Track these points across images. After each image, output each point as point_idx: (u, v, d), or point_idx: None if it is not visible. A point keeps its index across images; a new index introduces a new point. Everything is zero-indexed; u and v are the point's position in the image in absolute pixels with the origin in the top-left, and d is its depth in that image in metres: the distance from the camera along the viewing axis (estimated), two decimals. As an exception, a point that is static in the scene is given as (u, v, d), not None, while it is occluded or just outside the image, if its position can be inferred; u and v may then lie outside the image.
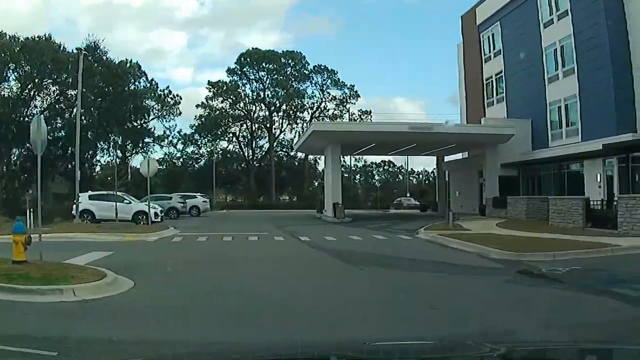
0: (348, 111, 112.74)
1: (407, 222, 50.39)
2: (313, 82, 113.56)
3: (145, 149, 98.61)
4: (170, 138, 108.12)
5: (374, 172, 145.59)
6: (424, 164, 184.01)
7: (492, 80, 64.59)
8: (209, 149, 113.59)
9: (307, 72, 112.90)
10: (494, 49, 63.88)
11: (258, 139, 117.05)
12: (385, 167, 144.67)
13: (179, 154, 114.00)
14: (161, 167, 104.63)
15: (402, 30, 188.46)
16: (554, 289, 17.85)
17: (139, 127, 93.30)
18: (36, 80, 77.65)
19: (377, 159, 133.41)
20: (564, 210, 37.71)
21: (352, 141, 58.49)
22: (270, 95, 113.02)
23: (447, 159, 72.67)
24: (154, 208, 47.37)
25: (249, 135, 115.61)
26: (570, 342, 9.00)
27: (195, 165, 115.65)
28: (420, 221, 47.77)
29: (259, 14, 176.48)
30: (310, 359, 5.33)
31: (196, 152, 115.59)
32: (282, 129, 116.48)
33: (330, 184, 57.85)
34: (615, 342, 7.71)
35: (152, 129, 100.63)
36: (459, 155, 71.54)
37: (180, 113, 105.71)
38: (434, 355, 5.09)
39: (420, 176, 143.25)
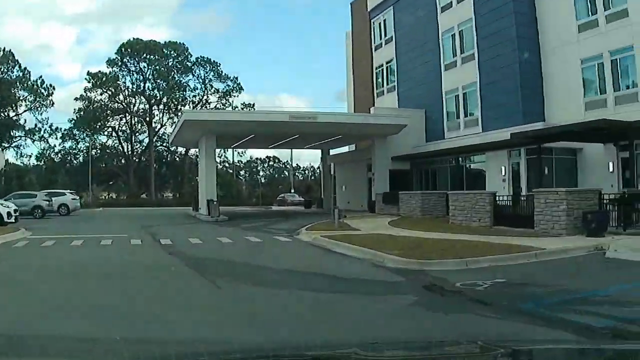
0: (231, 104, 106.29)
1: (289, 220, 44.34)
2: (195, 74, 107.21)
3: (12, 142, 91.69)
4: (42, 132, 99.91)
5: (259, 167, 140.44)
6: (310, 159, 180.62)
7: (382, 69, 59.40)
8: (87, 144, 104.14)
9: (189, 65, 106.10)
10: (385, 36, 58.61)
11: (138, 134, 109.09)
12: (271, 163, 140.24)
13: (57, 149, 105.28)
14: (39, 163, 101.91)
15: (289, 24, 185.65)
16: (481, 316, 12.34)
17: (4, 118, 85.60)
18: None
19: (262, 154, 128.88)
20: (468, 206, 32.28)
21: (228, 132, 50.80)
22: (151, 88, 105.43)
23: (333, 152, 66.47)
24: (7, 207, 39.99)
25: (128, 129, 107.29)
26: (574, 341, 8.56)
27: (74, 162, 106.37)
28: (302, 219, 42.39)
29: (147, 9, 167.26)
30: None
31: (74, 147, 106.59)
32: (163, 123, 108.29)
33: (205, 179, 50.48)
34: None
35: (23, 122, 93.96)
36: (346, 148, 65.79)
37: (53, 104, 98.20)
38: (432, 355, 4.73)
39: (307, 172, 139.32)
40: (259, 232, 34.64)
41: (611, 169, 34.96)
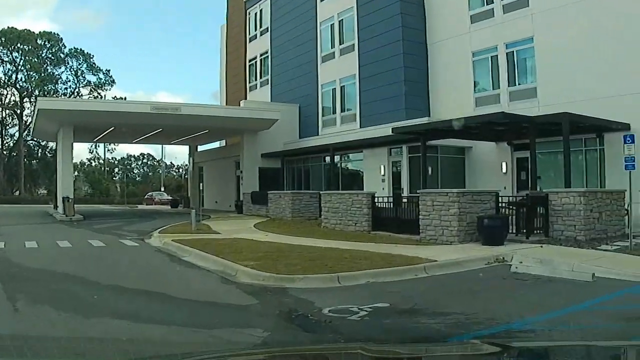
0: (103, 98, 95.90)
1: (148, 220, 38.93)
2: (68, 66, 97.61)
3: None
4: None
5: (133, 165, 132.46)
6: (185, 156, 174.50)
7: (256, 62, 53.83)
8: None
9: (62, 56, 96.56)
10: (260, 26, 53.06)
11: (8, 127, 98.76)
12: (145, 160, 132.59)
13: None
14: None
15: (166, 22, 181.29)
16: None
17: None
18: None
19: (137, 150, 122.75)
20: (342, 208, 27.21)
21: (87, 124, 42.92)
22: (23, 79, 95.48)
23: (202, 148, 59.81)
24: None
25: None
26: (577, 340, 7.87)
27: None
28: (162, 220, 37.53)
29: (28, 3, 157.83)
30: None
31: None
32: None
33: (61, 175, 43.52)
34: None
35: None
36: (217, 144, 59.60)
37: None
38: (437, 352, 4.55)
39: (181, 170, 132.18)
40: (108, 234, 29.49)
41: (504, 170, 30.82)
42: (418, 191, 24.51)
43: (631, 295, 12.92)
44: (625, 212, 22.33)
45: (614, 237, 20.92)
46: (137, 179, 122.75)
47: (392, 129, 30.14)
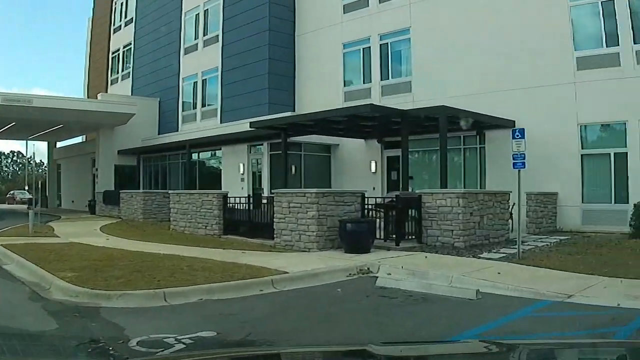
0: None
1: (-5, 221, 32.72)
2: None
3: None
4: None
5: (3, 162, 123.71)
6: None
7: (119, 54, 48.29)
8: None
9: None
10: (126, 17, 47.51)
11: None
12: (14, 158, 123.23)
13: None
14: None
15: (42, 17, 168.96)
16: None
17: None
18: None
19: (6, 148, 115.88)
20: (192, 209, 23.05)
21: None
22: None
23: (61, 144, 53.57)
24: None
25: None
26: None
27: None
28: (12, 220, 32.15)
29: None
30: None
31: None
32: None
33: None
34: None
35: None
36: (78, 140, 52.53)
37: None
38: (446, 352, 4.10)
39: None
40: None
41: (374, 169, 27.14)
42: (273, 191, 20.66)
43: (528, 320, 9.79)
44: (510, 215, 19.12)
45: (497, 244, 17.65)
46: (9, 177, 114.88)
47: (250, 123, 25.85)
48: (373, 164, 27.30)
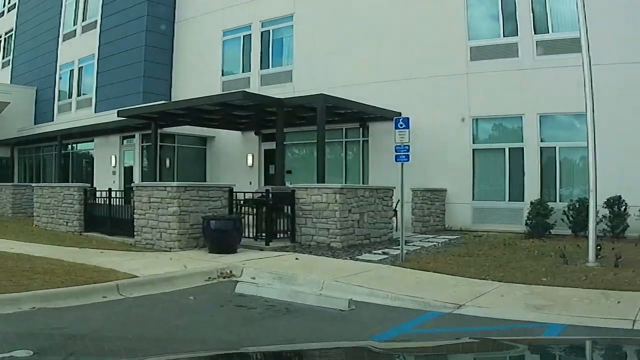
0: None
1: None
2: None
3: None
4: None
5: None
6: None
7: (0, 40, 43.94)
8: None
9: None
10: (9, 2, 43.26)
11: None
12: None
13: None
14: None
15: None
16: None
17: None
18: None
19: None
20: (54, 204, 20.24)
21: None
22: None
23: None
24: None
25: None
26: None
27: None
28: None
29: None
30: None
31: None
32: None
33: None
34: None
35: None
36: None
37: None
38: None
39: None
40: None
41: (250, 163, 24.75)
42: (132, 185, 18.29)
43: (408, 339, 7.54)
44: (394, 213, 17.14)
45: (379, 244, 15.67)
46: None
47: (119, 112, 22.93)
48: (250, 158, 24.88)
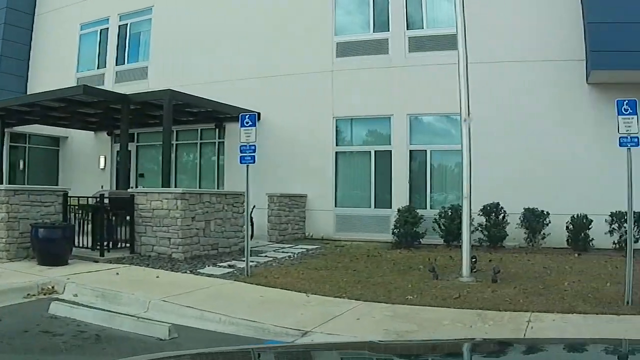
0: None
1: None
2: None
3: None
4: None
5: None
6: None
7: None
8: None
9: None
10: None
11: None
12: None
13: None
14: None
15: None
16: None
17: None
18: None
19: None
20: None
21: None
22: None
23: None
24: None
25: None
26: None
27: None
28: None
29: None
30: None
31: None
32: None
33: None
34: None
35: None
36: None
37: None
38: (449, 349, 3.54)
39: None
40: None
41: (102, 165, 22.17)
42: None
43: None
44: (251, 220, 15.04)
45: (228, 254, 13.88)
46: None
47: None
48: (102, 159, 22.32)
